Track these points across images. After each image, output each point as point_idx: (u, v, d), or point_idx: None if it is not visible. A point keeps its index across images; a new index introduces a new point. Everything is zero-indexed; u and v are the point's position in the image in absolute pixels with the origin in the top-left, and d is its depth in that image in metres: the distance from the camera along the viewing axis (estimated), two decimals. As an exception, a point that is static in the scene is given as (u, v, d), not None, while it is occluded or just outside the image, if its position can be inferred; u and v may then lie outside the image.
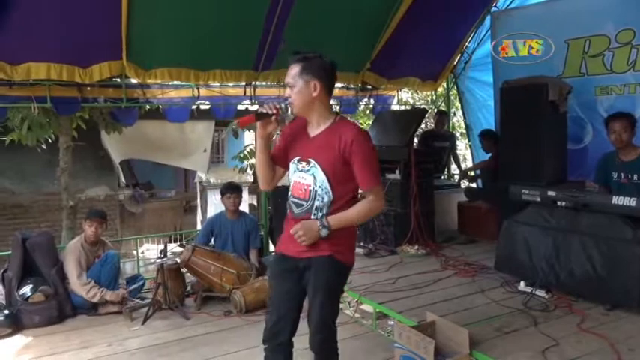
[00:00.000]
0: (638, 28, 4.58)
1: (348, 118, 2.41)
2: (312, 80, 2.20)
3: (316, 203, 2.23)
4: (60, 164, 5.91)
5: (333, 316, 2.37)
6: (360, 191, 2.29)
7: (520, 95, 4.61)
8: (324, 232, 2.19)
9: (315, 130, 2.28)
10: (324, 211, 2.23)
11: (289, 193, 2.35)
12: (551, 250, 3.70)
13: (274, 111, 2.19)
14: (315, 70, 2.22)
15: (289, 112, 2.24)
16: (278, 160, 2.38)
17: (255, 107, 5.32)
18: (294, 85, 2.20)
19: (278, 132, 2.46)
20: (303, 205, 2.26)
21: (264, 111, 2.19)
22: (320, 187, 2.22)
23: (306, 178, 2.25)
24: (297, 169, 2.29)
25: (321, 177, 2.21)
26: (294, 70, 2.22)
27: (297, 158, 2.30)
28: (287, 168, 2.37)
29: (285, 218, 2.41)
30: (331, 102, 2.36)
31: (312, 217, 2.24)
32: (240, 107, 6.29)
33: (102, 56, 4.40)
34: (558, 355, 2.82)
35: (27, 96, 4.45)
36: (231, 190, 4.65)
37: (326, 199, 2.22)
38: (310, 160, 2.24)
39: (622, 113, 3.99)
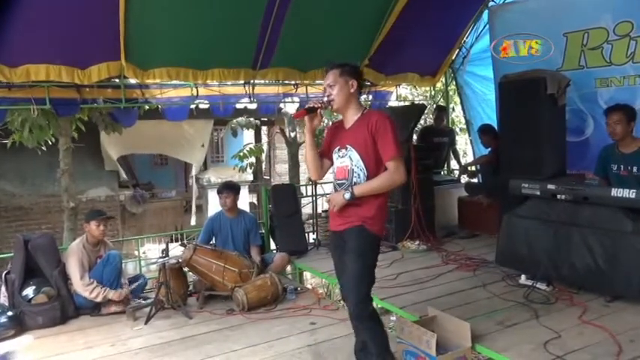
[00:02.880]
0: (637, 20, 4.57)
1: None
2: (350, 79, 2.67)
3: (354, 179, 2.65)
4: (60, 166, 5.91)
5: (364, 282, 2.64)
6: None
7: (519, 89, 4.60)
8: (347, 196, 2.61)
9: (349, 123, 2.73)
10: None
11: (334, 179, 2.77)
12: (552, 243, 3.71)
13: (319, 105, 2.67)
14: (352, 72, 2.70)
15: (329, 107, 2.69)
16: (326, 156, 2.82)
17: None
18: (335, 85, 2.65)
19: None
20: (344, 184, 2.69)
21: (312, 105, 2.67)
22: (356, 165, 2.64)
23: (345, 161, 2.69)
24: (339, 155, 2.73)
25: (356, 157, 2.64)
26: (335, 73, 2.67)
27: (338, 147, 2.74)
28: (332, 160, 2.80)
29: None
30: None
31: None
32: (238, 106, 6.30)
33: (100, 57, 4.39)
34: (560, 348, 2.84)
35: (26, 98, 4.46)
36: (223, 189, 4.68)
37: (362, 176, 2.64)
38: (347, 145, 2.68)
39: (618, 106, 3.99)
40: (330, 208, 2.73)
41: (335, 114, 2.98)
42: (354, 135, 2.67)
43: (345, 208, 2.66)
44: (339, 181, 2.73)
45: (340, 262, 2.77)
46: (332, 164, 2.80)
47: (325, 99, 2.69)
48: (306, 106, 2.70)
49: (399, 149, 2.62)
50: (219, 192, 4.71)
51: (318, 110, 2.68)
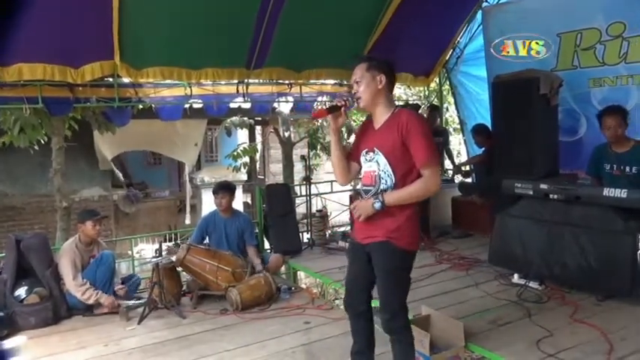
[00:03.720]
0: (629, 21, 4.60)
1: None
2: (378, 75, 2.45)
3: (381, 186, 2.44)
4: (53, 165, 5.87)
5: (395, 298, 2.50)
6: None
7: (512, 89, 4.63)
8: (378, 205, 2.38)
9: (379, 123, 2.51)
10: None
11: (360, 183, 2.58)
12: (545, 243, 3.73)
13: (342, 103, 2.46)
14: (380, 66, 2.47)
15: (356, 105, 2.51)
16: (354, 159, 2.60)
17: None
18: (362, 80, 2.45)
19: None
20: (371, 190, 2.48)
21: (335, 104, 2.48)
22: (383, 170, 2.43)
23: (372, 165, 2.48)
24: (366, 159, 2.52)
25: (384, 161, 2.43)
26: (362, 67, 2.46)
27: (365, 150, 2.52)
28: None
29: None
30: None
31: None
32: (232, 105, 6.28)
33: (93, 56, 4.37)
34: (552, 346, 2.86)
35: (18, 97, 4.43)
36: (219, 190, 4.65)
37: (389, 182, 2.42)
38: (375, 148, 2.47)
39: (614, 108, 3.99)
40: (355, 216, 2.50)
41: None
42: (383, 137, 2.44)
43: (372, 219, 2.44)
44: (365, 187, 2.52)
45: (357, 271, 2.61)
46: (360, 168, 2.58)
47: (350, 97, 2.51)
48: (328, 105, 2.52)
49: (434, 153, 2.42)
50: (214, 192, 4.68)
51: (342, 109, 2.47)
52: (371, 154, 2.48)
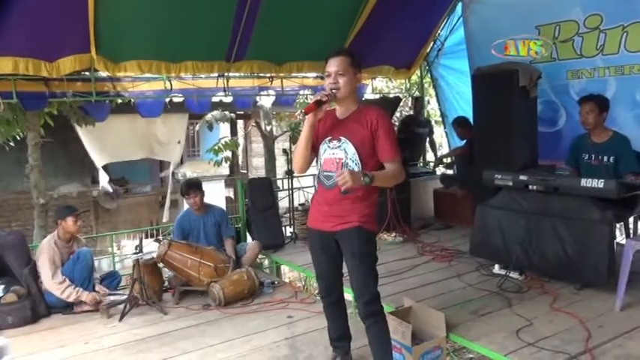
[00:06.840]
0: (606, 13, 4.66)
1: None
2: (357, 72, 2.60)
3: None
4: (29, 161, 5.76)
5: (372, 281, 2.62)
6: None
7: (491, 82, 4.67)
8: (367, 180, 2.41)
9: (343, 114, 2.63)
10: None
11: (319, 170, 2.65)
12: (524, 233, 3.77)
13: (326, 98, 2.50)
14: (359, 64, 2.62)
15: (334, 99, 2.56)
16: (313, 146, 2.66)
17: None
18: (345, 75, 2.53)
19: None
20: (334, 177, 2.52)
21: (320, 99, 2.49)
22: (351, 159, 2.55)
23: (338, 153, 2.58)
24: (329, 147, 2.61)
25: (352, 150, 2.54)
26: (346, 61, 2.54)
27: (329, 138, 2.61)
28: (317, 151, 2.68)
29: (314, 196, 2.79)
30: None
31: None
32: (214, 99, 6.22)
33: (69, 49, 4.28)
34: (532, 335, 2.90)
35: (-9, 92, 4.33)
36: (189, 190, 4.51)
37: (356, 169, 2.52)
38: (341, 137, 2.58)
39: (591, 96, 4.05)
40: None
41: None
42: (351, 128, 2.56)
43: (342, 205, 2.55)
44: (326, 173, 2.60)
45: (328, 260, 2.68)
46: (313, 157, 2.68)
47: (328, 88, 2.52)
48: (315, 100, 2.52)
49: (399, 149, 2.59)
50: (184, 194, 4.55)
51: (325, 103, 2.52)
52: (335, 142, 2.59)
